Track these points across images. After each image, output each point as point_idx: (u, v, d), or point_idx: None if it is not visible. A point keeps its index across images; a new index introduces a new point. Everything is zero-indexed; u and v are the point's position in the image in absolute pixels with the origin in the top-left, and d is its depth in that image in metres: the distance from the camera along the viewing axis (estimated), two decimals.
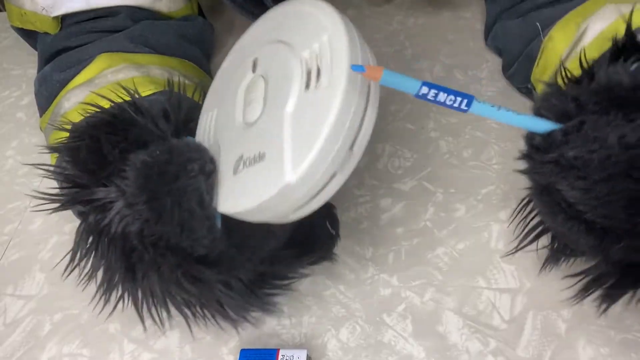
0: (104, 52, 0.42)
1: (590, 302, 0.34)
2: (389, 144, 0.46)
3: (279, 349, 0.32)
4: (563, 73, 0.31)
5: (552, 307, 0.34)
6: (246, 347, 0.34)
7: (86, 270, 0.32)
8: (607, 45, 0.31)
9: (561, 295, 0.34)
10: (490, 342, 0.33)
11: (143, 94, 0.37)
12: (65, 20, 0.46)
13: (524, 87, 0.47)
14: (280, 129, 0.26)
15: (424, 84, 0.25)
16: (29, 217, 0.45)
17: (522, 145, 0.45)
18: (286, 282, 0.34)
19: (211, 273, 0.30)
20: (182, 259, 0.29)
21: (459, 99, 0.25)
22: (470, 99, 0.25)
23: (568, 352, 0.32)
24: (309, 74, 0.26)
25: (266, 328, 0.35)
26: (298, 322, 0.35)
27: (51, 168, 0.34)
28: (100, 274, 0.32)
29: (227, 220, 0.29)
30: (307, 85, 0.26)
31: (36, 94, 0.45)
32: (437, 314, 0.35)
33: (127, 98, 0.34)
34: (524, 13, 0.45)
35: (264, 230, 0.30)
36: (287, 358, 0.32)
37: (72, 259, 0.32)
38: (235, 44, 0.34)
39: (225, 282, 0.30)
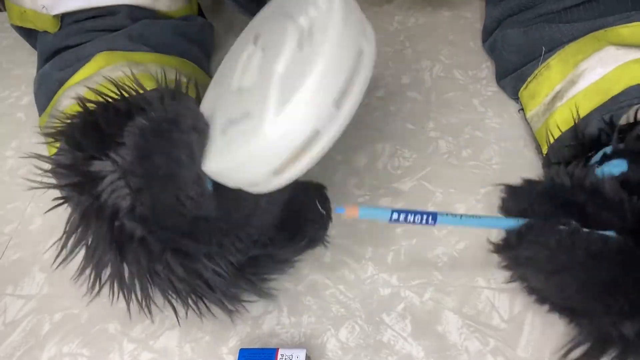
0: (102, 51, 0.42)
1: None
2: (389, 144, 0.46)
3: (278, 349, 0.32)
4: (550, 134, 0.37)
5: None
6: (245, 347, 0.34)
7: (74, 253, 0.32)
8: (601, 97, 0.36)
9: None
10: (489, 341, 0.33)
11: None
12: (65, 19, 0.46)
13: (516, 98, 0.47)
14: (267, 87, 0.26)
15: (393, 211, 0.29)
16: (29, 217, 0.45)
17: (521, 145, 0.45)
18: (279, 266, 0.34)
19: (198, 247, 0.30)
20: (171, 233, 0.29)
21: (425, 216, 0.30)
22: (434, 215, 0.30)
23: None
24: (301, 35, 0.27)
25: (265, 327, 0.35)
26: (297, 322, 0.36)
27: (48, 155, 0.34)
28: (87, 256, 0.32)
29: (217, 191, 0.29)
30: (300, 46, 0.26)
31: (35, 94, 0.45)
32: (436, 314, 0.35)
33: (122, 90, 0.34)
34: (526, 22, 0.45)
35: (251, 202, 0.30)
36: (287, 357, 0.32)
37: (64, 244, 0.32)
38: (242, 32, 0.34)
39: (211, 257, 0.30)
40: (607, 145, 0.33)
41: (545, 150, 0.40)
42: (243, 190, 0.29)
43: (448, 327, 0.34)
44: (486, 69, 0.51)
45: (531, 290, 0.32)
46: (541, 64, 0.42)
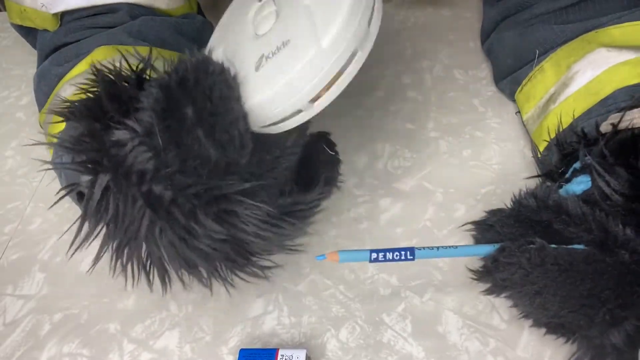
0: (102, 45, 0.42)
1: None
2: (389, 144, 0.46)
3: (278, 349, 0.32)
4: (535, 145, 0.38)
5: None
6: (245, 347, 0.34)
7: (95, 233, 0.31)
8: (591, 100, 0.36)
9: None
10: (490, 341, 0.33)
11: None
12: (64, 17, 0.46)
13: (514, 100, 0.47)
14: (300, 18, 0.29)
15: (372, 252, 0.31)
16: (29, 217, 0.45)
17: (521, 145, 0.45)
18: (307, 213, 0.34)
19: (234, 185, 0.29)
20: (204, 186, 0.29)
21: (403, 252, 0.31)
22: (412, 250, 0.31)
23: (568, 351, 0.32)
24: None
25: (266, 327, 0.35)
26: (298, 322, 0.35)
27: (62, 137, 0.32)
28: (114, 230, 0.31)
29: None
30: None
31: (35, 90, 0.45)
32: (436, 314, 0.35)
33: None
34: (522, 24, 0.45)
35: (279, 144, 0.32)
36: (287, 358, 0.32)
37: (80, 228, 0.31)
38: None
39: (247, 197, 0.30)
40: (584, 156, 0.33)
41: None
42: (270, 134, 0.30)
43: (448, 328, 0.34)
44: (486, 69, 0.51)
45: (525, 315, 0.32)
46: (535, 66, 0.42)
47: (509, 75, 0.46)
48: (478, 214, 0.40)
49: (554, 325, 0.31)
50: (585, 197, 0.31)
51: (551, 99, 0.39)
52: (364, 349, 0.34)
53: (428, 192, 0.42)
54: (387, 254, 0.31)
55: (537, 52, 0.42)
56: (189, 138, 0.29)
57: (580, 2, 0.41)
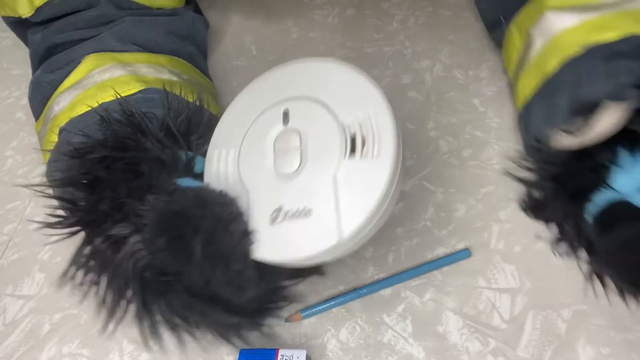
0: (91, 53, 0.42)
1: (590, 302, 0.34)
2: None
3: (278, 349, 0.32)
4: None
5: (552, 307, 0.34)
6: (245, 347, 0.34)
7: (87, 284, 0.32)
8: (537, 78, 0.35)
9: (561, 295, 0.34)
10: (490, 342, 0.33)
11: (128, 92, 0.38)
12: (44, 9, 0.45)
13: None
14: (328, 191, 0.28)
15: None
16: (29, 217, 0.45)
17: (521, 145, 0.45)
18: (281, 305, 0.34)
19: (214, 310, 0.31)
20: (191, 292, 0.30)
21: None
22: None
23: (568, 352, 0.32)
24: (353, 140, 0.29)
25: (265, 328, 0.35)
26: (298, 322, 0.35)
27: (62, 196, 0.33)
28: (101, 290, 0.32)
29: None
30: (352, 152, 0.29)
31: (30, 99, 0.45)
32: (437, 314, 0.35)
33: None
34: None
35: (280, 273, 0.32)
36: (287, 358, 0.32)
37: (76, 269, 0.32)
38: (249, 84, 0.34)
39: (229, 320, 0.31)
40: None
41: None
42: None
43: (448, 328, 0.34)
44: (486, 68, 0.51)
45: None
46: (505, 30, 0.42)
47: (493, 29, 0.46)
48: (478, 214, 0.40)
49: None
50: None
51: (519, 64, 0.39)
52: (364, 349, 0.34)
53: (428, 192, 0.42)
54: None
55: (502, 17, 0.41)
56: (192, 266, 0.29)
57: None
